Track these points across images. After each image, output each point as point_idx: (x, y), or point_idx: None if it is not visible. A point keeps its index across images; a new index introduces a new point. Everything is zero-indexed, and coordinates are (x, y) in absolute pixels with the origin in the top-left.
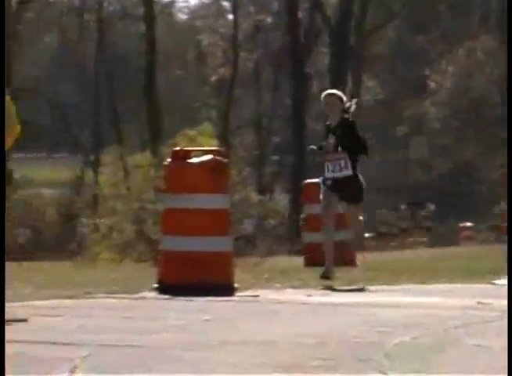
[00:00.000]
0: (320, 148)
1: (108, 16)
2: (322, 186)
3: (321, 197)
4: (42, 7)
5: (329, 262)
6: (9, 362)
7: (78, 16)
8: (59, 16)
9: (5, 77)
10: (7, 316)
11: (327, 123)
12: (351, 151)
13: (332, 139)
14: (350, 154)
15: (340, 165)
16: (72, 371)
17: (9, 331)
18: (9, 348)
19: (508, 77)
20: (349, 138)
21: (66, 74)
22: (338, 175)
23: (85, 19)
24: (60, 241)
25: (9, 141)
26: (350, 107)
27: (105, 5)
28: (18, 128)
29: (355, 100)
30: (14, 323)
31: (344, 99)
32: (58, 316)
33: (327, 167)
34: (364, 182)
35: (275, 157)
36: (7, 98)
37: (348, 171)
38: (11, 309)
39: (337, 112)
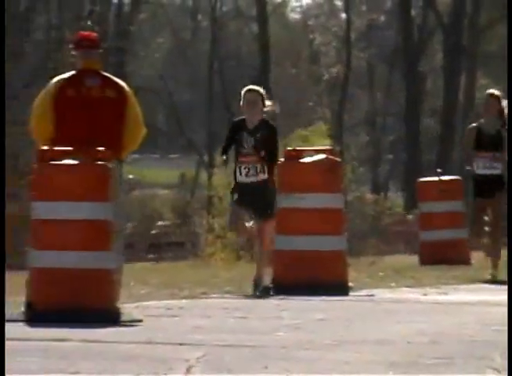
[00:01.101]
0: (225, 151)
1: (221, 16)
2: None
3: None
4: (156, 8)
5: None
6: (126, 362)
7: (192, 17)
8: (173, 17)
9: (4, 76)
10: (123, 317)
11: (236, 120)
12: (269, 157)
13: (250, 141)
14: (266, 159)
15: (256, 169)
16: (188, 371)
17: (126, 332)
18: (125, 349)
19: (508, 78)
20: (270, 143)
21: (179, 74)
22: (253, 179)
23: (198, 19)
24: (175, 241)
25: (135, 142)
26: (271, 109)
27: (218, 5)
28: (144, 130)
29: (271, 105)
30: (130, 324)
31: (265, 98)
32: (173, 316)
33: (239, 170)
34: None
35: (390, 156)
36: (134, 99)
37: (264, 176)
38: (127, 309)
39: (258, 111)
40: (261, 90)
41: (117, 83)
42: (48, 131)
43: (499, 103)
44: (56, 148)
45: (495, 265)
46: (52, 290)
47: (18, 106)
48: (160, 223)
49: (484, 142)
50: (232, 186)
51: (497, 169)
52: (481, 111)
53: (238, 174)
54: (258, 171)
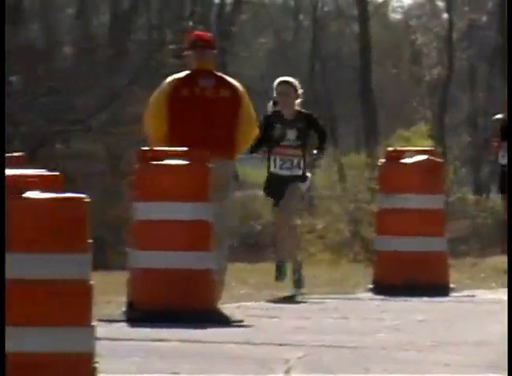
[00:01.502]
0: (258, 147)
1: (322, 16)
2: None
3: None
4: (257, 8)
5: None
6: (226, 362)
7: (293, 17)
8: (274, 17)
9: (4, 76)
10: (223, 317)
11: (270, 113)
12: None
13: (292, 132)
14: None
15: (292, 163)
16: (287, 372)
17: (226, 333)
18: (226, 349)
19: (508, 78)
20: (317, 130)
21: (280, 74)
22: (286, 172)
23: (300, 19)
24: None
25: (248, 142)
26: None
27: (319, 5)
28: (256, 130)
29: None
30: (230, 325)
31: (299, 89)
32: (273, 317)
33: (274, 161)
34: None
35: (491, 157)
36: (247, 99)
37: (299, 171)
38: (227, 310)
39: (292, 103)
40: (294, 81)
41: (230, 83)
42: (162, 131)
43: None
44: (157, 148)
45: None
46: (152, 290)
47: (120, 105)
48: (259, 223)
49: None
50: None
51: None
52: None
53: (272, 165)
54: (294, 165)
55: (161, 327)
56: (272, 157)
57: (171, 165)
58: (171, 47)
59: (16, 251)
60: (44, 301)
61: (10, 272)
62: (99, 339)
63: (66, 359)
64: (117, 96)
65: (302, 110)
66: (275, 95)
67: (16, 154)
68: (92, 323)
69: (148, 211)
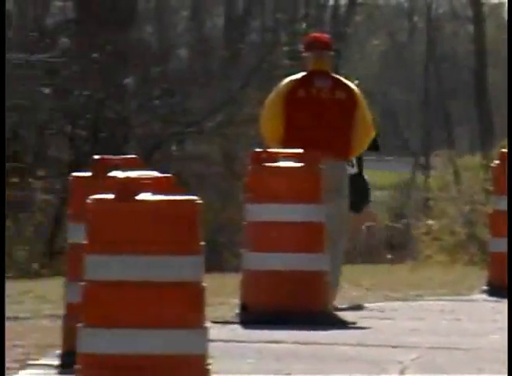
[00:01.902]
0: None
1: (437, 17)
2: None
3: None
4: (371, 9)
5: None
6: (340, 364)
7: (408, 18)
8: (389, 18)
9: (4, 75)
10: (336, 319)
11: None
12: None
13: None
14: None
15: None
16: (401, 373)
17: (339, 334)
18: (339, 351)
19: (508, 78)
20: None
21: (394, 75)
22: None
23: (414, 21)
24: (391, 243)
25: (363, 144)
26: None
27: (434, 6)
28: (373, 132)
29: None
30: (343, 326)
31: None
32: (387, 318)
33: None
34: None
35: None
36: (363, 101)
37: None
38: (341, 312)
39: None
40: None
41: (346, 85)
42: (278, 132)
43: None
44: (270, 150)
45: None
46: (265, 292)
47: (234, 107)
48: (375, 225)
49: None
50: None
51: None
52: None
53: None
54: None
55: (274, 328)
56: None
57: (283, 167)
58: (284, 49)
59: (129, 252)
60: (157, 303)
61: (122, 274)
62: (213, 341)
63: (179, 361)
64: (231, 98)
65: None
66: None
67: (129, 156)
68: (205, 325)
69: (261, 212)
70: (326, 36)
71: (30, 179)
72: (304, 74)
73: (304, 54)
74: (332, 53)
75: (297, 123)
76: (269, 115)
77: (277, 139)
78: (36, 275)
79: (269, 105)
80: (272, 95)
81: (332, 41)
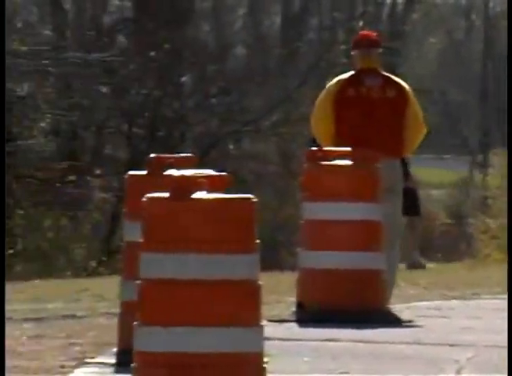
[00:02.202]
0: None
1: (494, 15)
2: None
3: None
4: (429, 7)
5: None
6: (396, 362)
7: (465, 17)
8: (446, 16)
9: (4, 76)
10: (393, 318)
11: None
12: None
13: None
14: None
15: None
16: (458, 372)
17: (396, 333)
18: (395, 350)
19: (508, 77)
20: None
21: (452, 74)
22: None
23: (472, 19)
24: (449, 242)
25: (415, 142)
26: None
27: (491, 5)
28: (424, 130)
29: None
30: (400, 325)
31: None
32: (443, 317)
33: None
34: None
35: None
36: (414, 99)
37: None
38: (397, 310)
39: None
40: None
41: (397, 83)
42: (329, 132)
43: None
44: (326, 148)
45: None
46: (321, 290)
47: (291, 106)
48: (434, 224)
49: None
50: None
51: None
52: None
53: None
54: None
55: (331, 327)
56: None
57: (339, 165)
58: (341, 47)
59: (184, 251)
60: (212, 301)
61: (178, 273)
62: (269, 339)
63: (235, 360)
64: (288, 97)
65: None
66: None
67: (185, 155)
68: (261, 323)
69: (317, 211)
70: (373, 33)
71: (87, 178)
72: (352, 72)
73: (352, 52)
74: (380, 50)
75: (348, 122)
76: (320, 115)
77: (328, 139)
78: (93, 273)
79: (319, 105)
80: (321, 96)
81: (380, 39)
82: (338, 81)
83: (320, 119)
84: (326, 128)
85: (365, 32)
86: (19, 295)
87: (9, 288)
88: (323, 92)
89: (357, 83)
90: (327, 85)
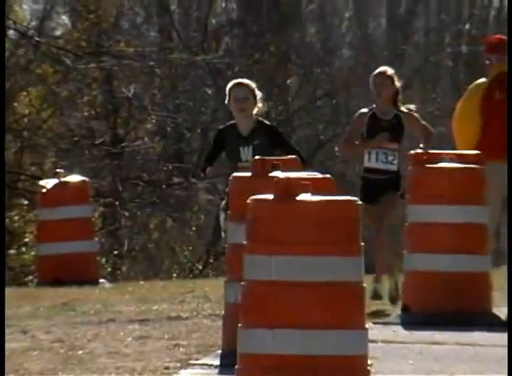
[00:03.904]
0: (205, 168)
1: None
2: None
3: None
4: None
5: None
6: (501, 365)
7: None
8: None
9: (4, 77)
10: (497, 320)
11: (224, 126)
12: None
13: (248, 151)
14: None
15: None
16: None
17: (500, 336)
18: (500, 352)
19: (508, 77)
20: (282, 146)
21: None
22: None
23: None
24: None
25: None
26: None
27: None
28: None
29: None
30: (503, 328)
31: (257, 94)
32: None
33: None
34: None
35: None
36: None
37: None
38: (502, 313)
39: (250, 112)
40: (252, 84)
41: None
42: (473, 135)
43: (393, 83)
44: (432, 151)
45: None
46: (427, 293)
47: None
48: None
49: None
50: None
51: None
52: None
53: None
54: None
55: (435, 329)
56: None
57: (445, 168)
58: (448, 50)
59: (288, 253)
60: (316, 304)
61: (281, 275)
62: (373, 342)
63: (340, 362)
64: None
65: (262, 121)
66: (227, 101)
67: (289, 157)
68: (366, 326)
69: (422, 213)
70: (505, 38)
71: (193, 179)
72: (495, 75)
73: (488, 56)
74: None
75: (495, 125)
76: (464, 117)
77: (471, 141)
78: (199, 275)
79: (464, 107)
80: (466, 97)
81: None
82: (482, 83)
83: (465, 121)
84: (471, 131)
85: (500, 36)
86: (125, 297)
87: (115, 289)
88: (467, 96)
89: (503, 86)
90: (469, 89)
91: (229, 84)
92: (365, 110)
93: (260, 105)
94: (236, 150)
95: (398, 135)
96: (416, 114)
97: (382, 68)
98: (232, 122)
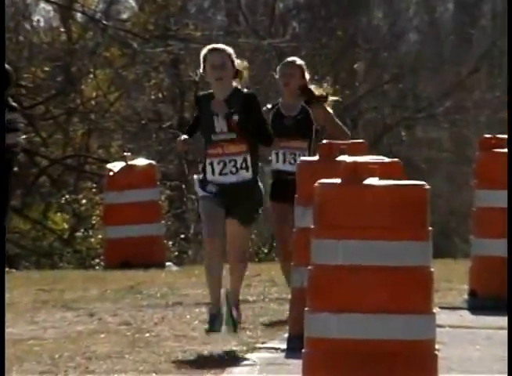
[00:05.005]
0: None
1: None
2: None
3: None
4: None
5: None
6: None
7: None
8: None
9: (4, 77)
10: None
11: (200, 94)
12: (260, 139)
13: (223, 123)
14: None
15: (235, 164)
16: None
17: None
18: None
19: (508, 77)
20: (253, 119)
21: None
22: (232, 179)
23: None
24: None
25: None
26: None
27: None
28: None
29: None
30: None
31: (235, 59)
32: None
33: (211, 166)
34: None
35: None
36: None
37: (248, 174)
38: None
39: (228, 79)
40: (229, 49)
41: None
42: None
43: (303, 75)
44: (500, 136)
45: None
46: (495, 278)
47: (464, 92)
48: None
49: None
50: (200, 183)
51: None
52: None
53: (209, 171)
54: (239, 166)
55: (503, 315)
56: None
57: None
58: None
59: (355, 237)
60: (384, 288)
61: (348, 259)
62: (441, 326)
63: (408, 347)
64: (461, 83)
65: (240, 89)
66: (201, 69)
67: (356, 141)
68: (433, 311)
69: (489, 199)
70: None
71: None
72: None
73: None
74: None
75: None
76: None
77: None
78: (265, 259)
79: None
80: None
81: None
82: None
83: None
84: None
85: None
86: (191, 280)
87: (181, 273)
88: None
89: None
90: None
91: (204, 50)
92: (269, 106)
93: (244, 73)
94: (211, 120)
95: (306, 132)
96: (329, 109)
97: (292, 58)
98: (209, 91)
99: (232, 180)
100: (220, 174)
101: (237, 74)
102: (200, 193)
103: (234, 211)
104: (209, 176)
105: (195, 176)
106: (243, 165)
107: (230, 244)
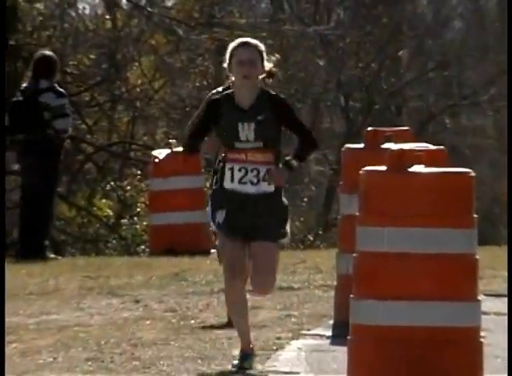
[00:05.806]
0: (195, 146)
1: None
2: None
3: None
4: None
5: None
6: None
7: None
8: None
9: (5, 76)
10: None
11: (216, 96)
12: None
13: (250, 127)
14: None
15: (258, 173)
16: None
17: None
18: None
19: (508, 78)
20: (292, 125)
21: None
22: (252, 189)
23: None
24: None
25: None
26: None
27: None
28: None
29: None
30: None
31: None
32: None
33: (231, 172)
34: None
35: None
36: None
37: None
38: None
39: (255, 80)
40: (261, 45)
41: None
42: None
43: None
44: None
45: None
46: None
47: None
48: None
49: None
50: (212, 195)
51: None
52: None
53: (228, 177)
54: (261, 178)
55: None
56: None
57: None
58: None
59: (401, 225)
60: (429, 275)
61: (394, 246)
62: (486, 313)
63: (453, 334)
64: (505, 71)
65: (269, 91)
66: (227, 65)
67: (401, 128)
68: (479, 298)
69: None
70: None
71: None
72: None
73: None
74: None
75: None
76: None
77: None
78: (310, 246)
79: None
80: None
81: None
82: None
83: None
84: None
85: None
86: None
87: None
88: None
89: None
90: None
91: (232, 44)
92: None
93: (272, 70)
94: (234, 127)
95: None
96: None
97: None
98: (228, 92)
99: (250, 191)
100: (239, 182)
101: (269, 74)
102: (214, 226)
103: (257, 231)
104: (227, 184)
105: (207, 208)
106: (266, 177)
107: (257, 273)
